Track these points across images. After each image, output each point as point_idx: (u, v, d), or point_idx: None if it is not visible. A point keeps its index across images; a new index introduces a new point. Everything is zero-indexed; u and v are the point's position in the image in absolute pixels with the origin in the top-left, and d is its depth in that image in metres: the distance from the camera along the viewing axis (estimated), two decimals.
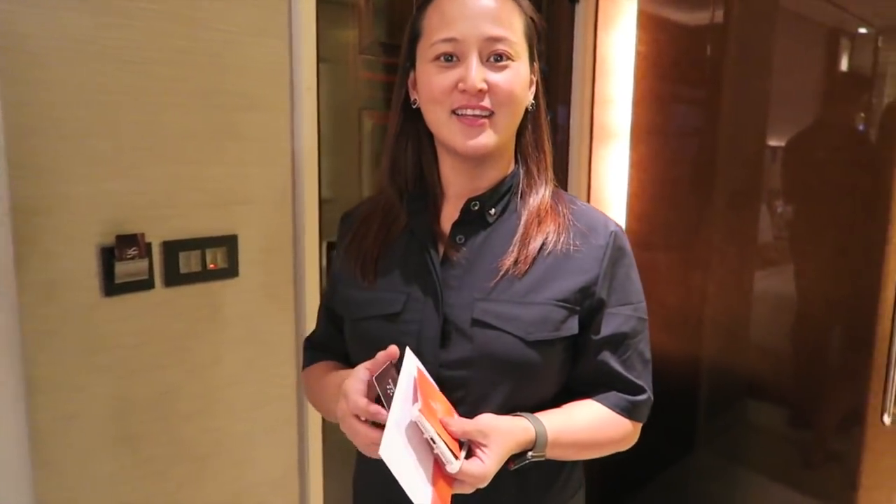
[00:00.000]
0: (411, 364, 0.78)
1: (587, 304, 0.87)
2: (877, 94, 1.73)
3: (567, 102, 2.17)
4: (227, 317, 1.36)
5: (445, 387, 0.84)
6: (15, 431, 1.13)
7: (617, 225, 0.92)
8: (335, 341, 1.02)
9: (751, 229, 1.99)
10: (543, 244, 0.87)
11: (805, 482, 1.91)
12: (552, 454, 0.84)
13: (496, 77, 0.84)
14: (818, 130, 1.86)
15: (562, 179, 2.20)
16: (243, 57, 1.33)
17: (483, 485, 0.75)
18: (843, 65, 1.82)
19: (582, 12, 2.11)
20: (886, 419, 1.66)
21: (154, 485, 1.29)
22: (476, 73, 0.83)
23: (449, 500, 0.74)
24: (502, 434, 0.78)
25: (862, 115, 1.78)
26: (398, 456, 0.70)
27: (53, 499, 1.17)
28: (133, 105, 1.20)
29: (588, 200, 2.25)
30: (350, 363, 0.93)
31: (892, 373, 1.63)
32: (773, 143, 1.96)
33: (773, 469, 1.98)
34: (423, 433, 0.73)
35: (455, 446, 0.75)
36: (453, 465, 0.72)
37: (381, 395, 0.75)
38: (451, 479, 0.75)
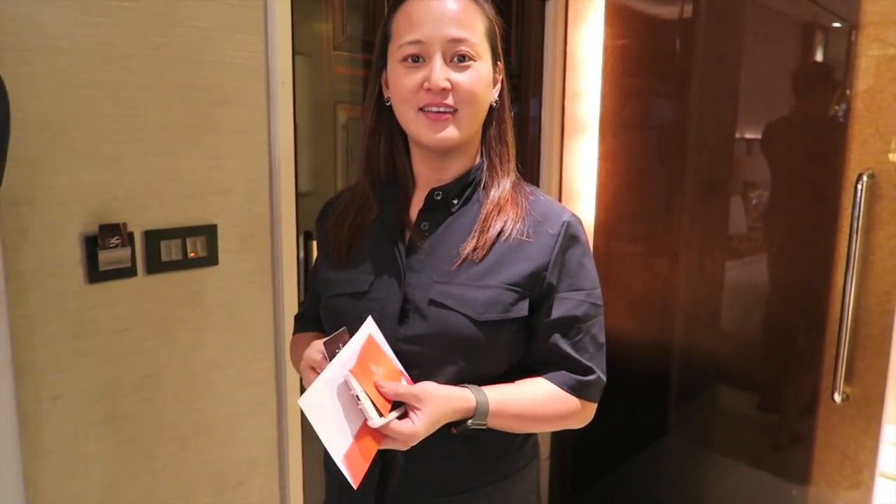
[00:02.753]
0: (364, 331, 0.87)
1: (538, 289, 0.94)
2: (833, 87, 1.81)
3: (538, 96, 2.24)
4: (208, 303, 1.42)
5: (403, 361, 0.92)
6: (3, 412, 1.18)
7: (573, 216, 0.98)
8: (319, 315, 1.09)
9: (717, 218, 2.08)
10: (501, 231, 0.94)
11: (770, 462, 2.00)
12: (494, 423, 0.91)
13: (459, 77, 0.91)
14: (781, 123, 1.94)
15: (534, 171, 2.27)
16: (219, 53, 1.38)
17: (413, 443, 0.84)
18: (808, 58, 1.90)
19: (552, 8, 2.18)
20: (837, 397, 1.75)
21: (139, 464, 1.35)
22: (439, 73, 0.90)
23: (372, 455, 0.83)
24: (438, 400, 0.86)
25: (820, 107, 1.86)
26: (319, 409, 0.79)
27: (41, 477, 1.23)
28: (112, 99, 1.24)
29: (560, 191, 2.33)
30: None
31: (841, 353, 1.72)
32: (740, 135, 2.04)
33: (740, 451, 2.07)
34: (351, 391, 0.81)
35: (384, 406, 0.83)
36: (374, 421, 0.81)
37: (327, 356, 0.85)
38: (380, 436, 0.83)
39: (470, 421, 0.88)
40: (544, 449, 2.38)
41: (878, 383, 1.71)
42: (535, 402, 0.95)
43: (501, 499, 0.99)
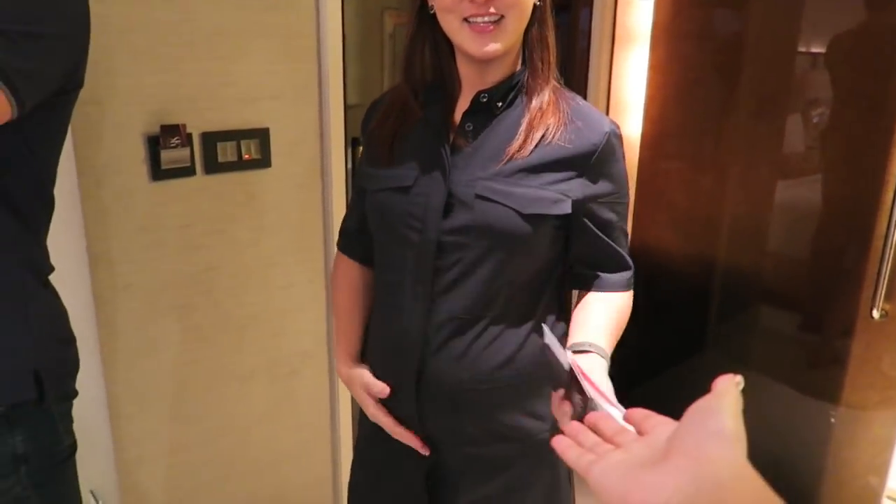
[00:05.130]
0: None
1: (578, 193, 0.97)
2: None
3: (589, 6, 2.18)
4: (261, 203, 1.50)
5: (445, 251, 0.97)
6: (81, 297, 1.30)
7: (612, 124, 1.00)
8: (363, 225, 1.14)
9: (772, 136, 2.03)
10: (544, 135, 0.96)
11: (805, 381, 2.03)
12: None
13: None
14: (847, 35, 1.86)
15: (581, 81, 2.24)
16: None
17: None
18: None
19: None
20: (875, 314, 1.76)
21: (201, 349, 1.47)
22: None
23: None
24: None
25: (889, 18, 1.77)
26: None
27: (116, 356, 1.36)
28: (168, 3, 1.29)
29: (608, 103, 2.29)
30: (370, 253, 1.11)
31: (884, 269, 1.72)
32: (804, 48, 1.96)
33: (777, 369, 2.09)
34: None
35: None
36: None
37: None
38: None
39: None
40: None
41: None
42: (621, 321, 1.04)
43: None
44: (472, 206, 0.96)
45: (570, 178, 0.97)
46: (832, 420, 1.98)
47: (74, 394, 1.04)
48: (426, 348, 1.01)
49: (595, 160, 0.97)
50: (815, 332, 2.05)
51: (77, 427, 1.03)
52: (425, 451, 1.06)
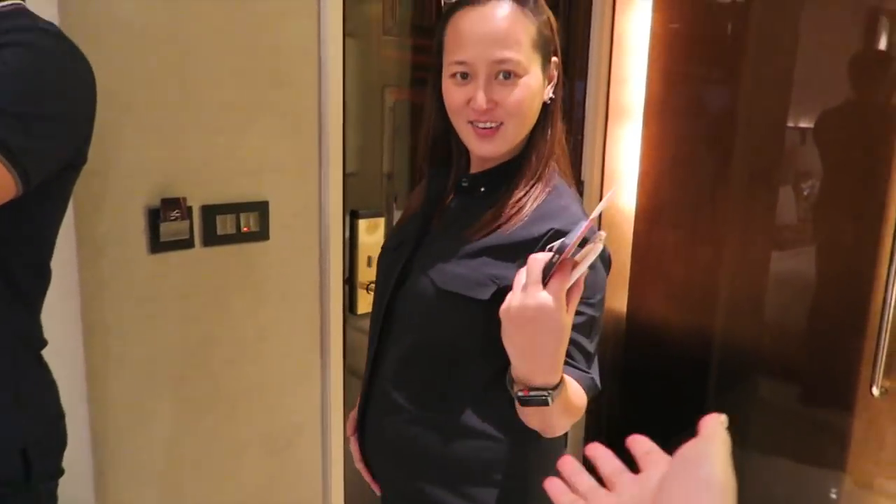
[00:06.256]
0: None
1: (505, 283, 0.90)
2: (888, 76, 1.77)
3: (584, 80, 2.25)
4: (259, 275, 1.50)
5: (392, 316, 1.05)
6: (74, 368, 1.29)
7: (577, 222, 0.89)
8: None
9: (764, 208, 2.06)
10: (503, 224, 0.96)
11: (808, 456, 2.00)
12: (557, 406, 0.82)
13: (504, 93, 0.94)
14: (835, 112, 1.91)
15: (577, 155, 2.29)
16: (275, 37, 1.44)
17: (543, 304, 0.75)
18: (864, 45, 1.85)
19: None
20: (875, 391, 1.74)
21: (195, 422, 1.45)
22: (481, 95, 0.94)
23: None
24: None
25: (874, 96, 1.83)
26: None
27: (107, 430, 1.33)
28: (175, 80, 1.32)
29: (602, 176, 2.34)
30: None
31: (882, 346, 1.71)
32: (792, 123, 2.01)
33: (778, 443, 2.06)
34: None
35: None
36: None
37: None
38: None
39: (550, 392, 0.80)
40: (578, 431, 2.42)
41: None
42: (578, 396, 0.90)
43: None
44: (414, 277, 1.02)
45: (507, 267, 0.93)
46: (833, 496, 1.93)
47: (61, 472, 1.02)
48: (366, 403, 1.09)
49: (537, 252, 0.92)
50: (815, 405, 2.03)
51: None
52: (376, 489, 1.15)
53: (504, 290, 0.88)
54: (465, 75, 0.96)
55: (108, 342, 1.31)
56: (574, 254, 0.73)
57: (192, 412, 1.45)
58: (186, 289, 1.40)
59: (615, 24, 2.25)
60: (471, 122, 0.97)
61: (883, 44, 1.82)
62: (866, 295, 1.80)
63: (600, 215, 0.84)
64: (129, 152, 1.29)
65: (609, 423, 2.48)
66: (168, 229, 1.34)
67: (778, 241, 2.05)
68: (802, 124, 1.99)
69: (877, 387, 1.74)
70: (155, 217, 1.32)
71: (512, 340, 0.79)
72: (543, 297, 0.73)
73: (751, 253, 2.10)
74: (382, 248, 1.15)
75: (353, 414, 1.17)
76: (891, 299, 1.68)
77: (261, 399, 1.55)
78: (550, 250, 0.74)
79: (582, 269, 0.74)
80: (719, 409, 0.50)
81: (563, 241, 0.72)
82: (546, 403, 0.80)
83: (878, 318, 1.73)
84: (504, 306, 0.77)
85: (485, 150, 0.98)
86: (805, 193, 2.01)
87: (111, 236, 1.29)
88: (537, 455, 1.01)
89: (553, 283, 0.73)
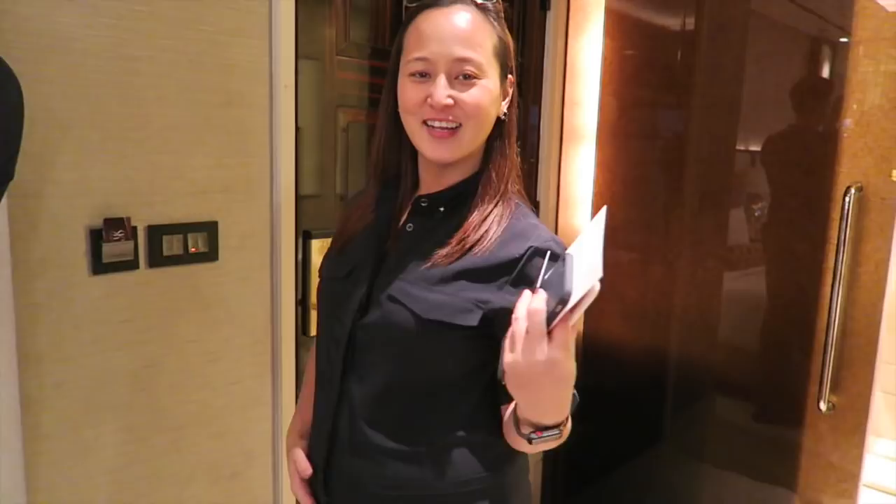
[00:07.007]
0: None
1: (496, 304, 0.93)
2: (827, 101, 1.84)
3: (538, 104, 2.28)
4: (207, 298, 1.46)
5: (356, 347, 0.98)
6: (7, 398, 1.22)
7: (553, 241, 0.95)
8: None
9: (715, 229, 2.11)
10: (476, 244, 0.95)
11: (759, 471, 2.03)
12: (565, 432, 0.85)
13: (463, 94, 0.94)
14: (779, 136, 1.98)
15: (532, 177, 2.31)
16: (225, 55, 1.42)
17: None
18: (806, 72, 1.92)
19: (553, 19, 2.22)
20: (823, 406, 1.78)
21: (137, 451, 1.39)
22: (441, 91, 0.93)
23: None
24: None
25: (814, 121, 1.89)
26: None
27: (41, 461, 1.27)
28: (120, 98, 1.29)
29: (557, 198, 2.36)
30: None
31: (828, 362, 1.75)
32: (742, 147, 2.07)
33: (732, 460, 2.09)
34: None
35: None
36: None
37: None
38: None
39: (559, 429, 0.83)
40: (536, 454, 2.41)
41: (864, 393, 1.74)
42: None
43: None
44: (382, 306, 0.96)
45: (489, 289, 0.93)
46: None
47: None
48: (333, 442, 1.01)
49: (518, 273, 0.94)
50: (767, 421, 2.06)
51: None
52: None
53: (489, 313, 0.92)
54: (424, 74, 0.95)
55: (43, 369, 1.25)
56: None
57: (135, 441, 1.39)
58: (131, 312, 1.35)
59: (568, 50, 2.29)
60: (426, 124, 0.95)
61: (824, 72, 1.89)
62: (813, 313, 1.85)
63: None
64: (68, 171, 1.25)
65: (566, 441, 2.46)
66: (111, 250, 1.30)
67: (729, 261, 2.09)
68: (752, 147, 2.05)
69: (824, 402, 1.77)
70: (97, 238, 1.28)
71: (520, 393, 0.78)
72: (552, 352, 0.71)
73: (703, 273, 2.14)
74: (325, 276, 1.08)
75: (300, 454, 1.08)
76: (835, 317, 1.73)
77: (209, 426, 1.50)
78: (543, 287, 0.73)
79: (580, 313, 0.72)
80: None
81: (566, 290, 0.69)
82: (558, 439, 0.84)
83: (823, 335, 1.78)
84: (509, 360, 0.74)
85: (439, 153, 0.96)
86: (756, 214, 2.07)
87: (49, 259, 1.24)
88: (514, 473, 1.03)
89: (558, 334, 0.71)
